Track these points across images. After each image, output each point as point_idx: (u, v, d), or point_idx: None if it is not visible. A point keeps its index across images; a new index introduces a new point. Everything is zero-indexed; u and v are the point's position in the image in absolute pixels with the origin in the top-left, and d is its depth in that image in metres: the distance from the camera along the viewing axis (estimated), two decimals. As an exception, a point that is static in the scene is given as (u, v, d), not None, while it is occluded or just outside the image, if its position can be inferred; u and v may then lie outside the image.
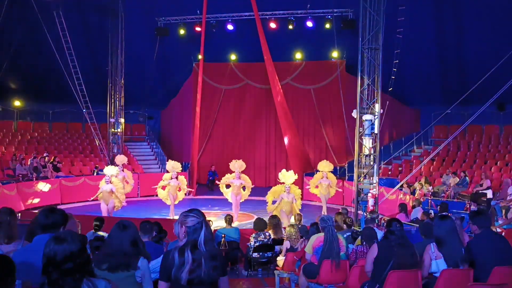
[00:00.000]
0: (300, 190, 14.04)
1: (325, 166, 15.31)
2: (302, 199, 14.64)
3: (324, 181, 15.15)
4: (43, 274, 2.53)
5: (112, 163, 17.28)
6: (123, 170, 15.80)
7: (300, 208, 13.63)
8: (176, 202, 14.81)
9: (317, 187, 15.39)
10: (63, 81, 18.46)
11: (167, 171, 15.12)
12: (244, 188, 14.99)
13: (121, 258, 3.51)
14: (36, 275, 3.34)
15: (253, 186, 15.24)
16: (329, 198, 15.44)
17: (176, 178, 14.76)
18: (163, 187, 14.82)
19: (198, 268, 3.18)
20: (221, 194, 16.06)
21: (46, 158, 18.24)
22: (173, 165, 14.94)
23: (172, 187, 14.61)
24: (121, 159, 16.51)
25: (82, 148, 21.59)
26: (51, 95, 21.79)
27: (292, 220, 11.63)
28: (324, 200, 15.30)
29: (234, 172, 14.92)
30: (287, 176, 13.43)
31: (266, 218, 9.50)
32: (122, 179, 14.87)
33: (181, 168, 15.39)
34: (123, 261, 3.53)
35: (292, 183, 13.50)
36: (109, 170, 14.10)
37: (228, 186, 15.02)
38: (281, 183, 13.57)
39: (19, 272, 3.18)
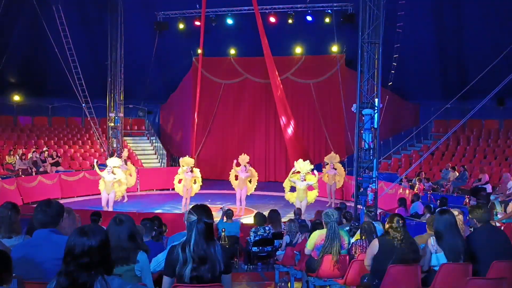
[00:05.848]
0: (316, 178, 14.16)
1: (332, 158, 16.41)
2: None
3: (330, 172, 16.14)
4: (63, 263, 2.53)
5: (112, 156, 17.41)
6: (126, 164, 16.09)
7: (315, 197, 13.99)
8: (193, 195, 14.94)
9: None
10: (63, 76, 18.40)
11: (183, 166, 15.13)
12: (250, 181, 15.05)
13: (119, 253, 3.50)
14: (34, 270, 3.34)
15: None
16: (335, 189, 16.36)
17: (191, 171, 14.82)
18: (179, 181, 14.96)
19: (201, 265, 3.17)
20: (219, 188, 15.97)
21: (46, 152, 18.23)
22: (186, 161, 15.01)
23: (186, 180, 14.73)
24: (125, 153, 17.09)
25: (81, 142, 21.57)
26: (51, 89, 21.72)
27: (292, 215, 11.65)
28: (332, 191, 16.12)
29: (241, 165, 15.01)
30: (303, 165, 13.77)
31: (266, 213, 9.52)
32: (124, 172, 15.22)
33: (193, 164, 15.35)
34: (122, 255, 3.53)
35: (308, 173, 13.82)
36: (112, 161, 14.26)
37: (237, 177, 15.09)
38: (297, 173, 13.89)
39: (17, 266, 3.19)
